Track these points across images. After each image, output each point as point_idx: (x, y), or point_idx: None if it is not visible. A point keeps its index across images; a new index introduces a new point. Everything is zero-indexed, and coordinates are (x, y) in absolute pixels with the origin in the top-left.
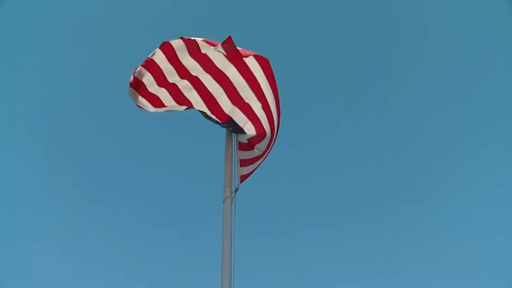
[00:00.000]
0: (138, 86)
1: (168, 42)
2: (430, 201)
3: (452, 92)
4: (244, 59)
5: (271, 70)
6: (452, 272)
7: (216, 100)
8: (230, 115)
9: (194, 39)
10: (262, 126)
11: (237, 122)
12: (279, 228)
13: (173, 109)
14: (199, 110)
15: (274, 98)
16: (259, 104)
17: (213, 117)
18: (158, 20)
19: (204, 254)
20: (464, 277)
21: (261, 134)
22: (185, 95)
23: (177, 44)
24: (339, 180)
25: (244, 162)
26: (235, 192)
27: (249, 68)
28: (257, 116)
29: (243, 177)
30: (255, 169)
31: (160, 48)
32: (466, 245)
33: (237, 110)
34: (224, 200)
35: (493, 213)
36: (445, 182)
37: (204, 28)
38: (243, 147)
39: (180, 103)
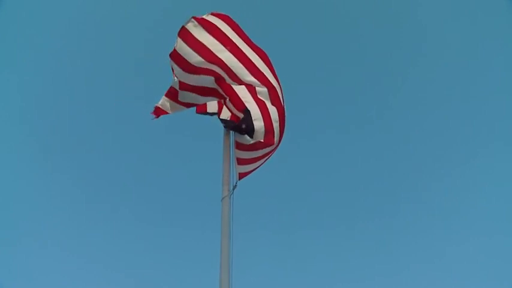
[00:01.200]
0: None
1: (184, 27)
2: (430, 201)
3: (452, 92)
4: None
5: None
6: (452, 272)
7: (234, 91)
8: (246, 105)
9: (207, 20)
10: (273, 136)
11: (251, 113)
12: (279, 228)
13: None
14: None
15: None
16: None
17: (233, 111)
18: (158, 20)
19: (203, 253)
20: (464, 277)
21: (268, 143)
22: (210, 87)
23: (191, 26)
24: (339, 181)
25: (242, 161)
26: (234, 189)
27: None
28: (271, 120)
29: (242, 175)
30: (256, 168)
31: (179, 35)
32: (466, 245)
33: (253, 104)
34: (222, 198)
35: (493, 213)
36: (445, 182)
37: None
38: (241, 147)
39: (207, 95)
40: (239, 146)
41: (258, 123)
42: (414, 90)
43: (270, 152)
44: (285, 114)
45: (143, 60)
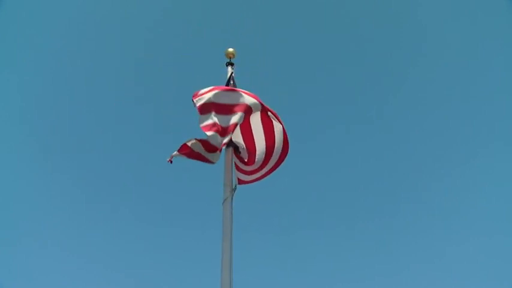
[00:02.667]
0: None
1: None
2: (430, 201)
3: (452, 92)
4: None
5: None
6: (452, 272)
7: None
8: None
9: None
10: (254, 157)
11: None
12: (279, 228)
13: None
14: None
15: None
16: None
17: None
18: (158, 20)
19: (203, 254)
20: (464, 277)
21: (249, 164)
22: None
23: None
24: (339, 181)
25: (238, 168)
26: (234, 191)
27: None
28: (253, 140)
29: (240, 181)
30: (253, 179)
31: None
32: (466, 245)
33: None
34: (224, 200)
35: (493, 213)
36: (445, 182)
37: (204, 28)
38: (237, 155)
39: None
40: (235, 154)
41: (240, 141)
42: (414, 90)
43: (263, 169)
44: (276, 141)
45: (143, 60)
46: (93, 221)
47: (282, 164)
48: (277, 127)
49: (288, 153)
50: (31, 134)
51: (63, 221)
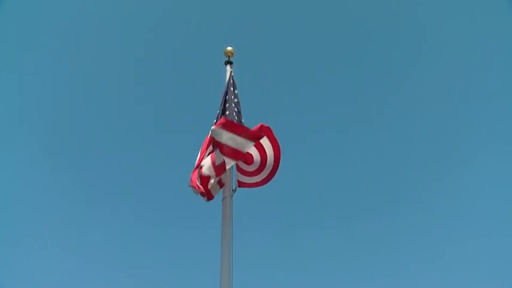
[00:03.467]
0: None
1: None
2: (430, 201)
3: (452, 92)
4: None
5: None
6: (452, 272)
7: None
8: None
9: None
10: (252, 156)
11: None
12: (279, 228)
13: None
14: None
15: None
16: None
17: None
18: (158, 20)
19: (203, 254)
20: (464, 277)
21: (248, 162)
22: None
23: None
24: (339, 181)
25: (239, 169)
26: (234, 191)
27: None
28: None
29: (241, 184)
30: (251, 184)
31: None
32: (466, 245)
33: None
34: (223, 198)
35: (493, 213)
36: (445, 182)
37: (203, 28)
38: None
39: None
40: None
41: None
42: (414, 90)
43: (261, 173)
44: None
45: (143, 61)
46: (93, 221)
47: (281, 164)
48: (265, 143)
49: (283, 157)
50: (31, 134)
51: (63, 221)
